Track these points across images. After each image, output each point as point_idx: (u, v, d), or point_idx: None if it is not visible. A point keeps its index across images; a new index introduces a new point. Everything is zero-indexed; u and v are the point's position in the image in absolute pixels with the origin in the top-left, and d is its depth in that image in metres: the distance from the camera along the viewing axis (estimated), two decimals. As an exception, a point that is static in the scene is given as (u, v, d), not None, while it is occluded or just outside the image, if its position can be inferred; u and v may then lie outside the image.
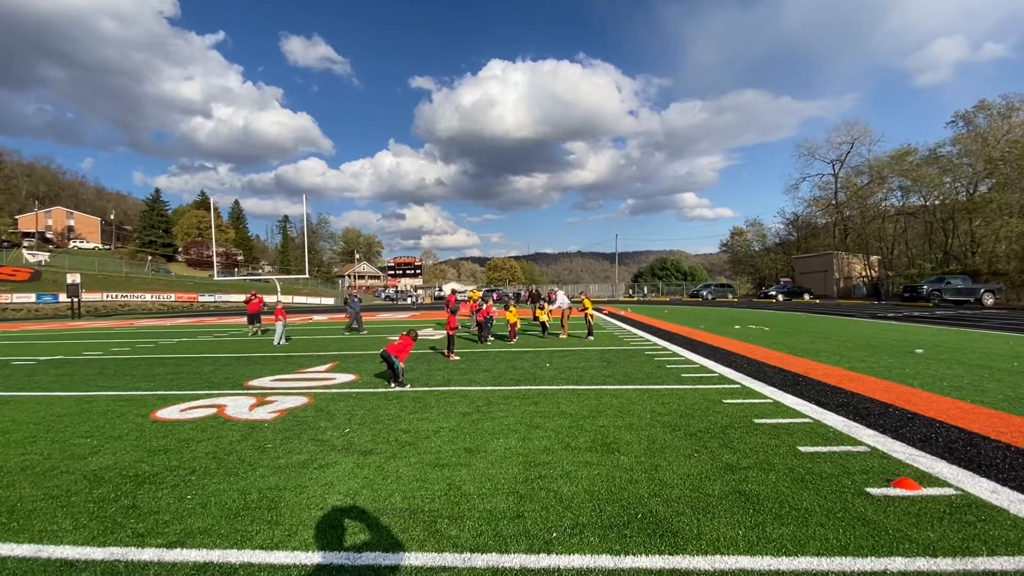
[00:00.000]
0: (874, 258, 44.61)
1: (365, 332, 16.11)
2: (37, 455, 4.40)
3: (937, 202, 40.05)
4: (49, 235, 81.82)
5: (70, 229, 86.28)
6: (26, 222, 79.49)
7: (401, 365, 7.21)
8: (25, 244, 68.92)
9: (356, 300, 17.24)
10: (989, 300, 26.93)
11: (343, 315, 26.61)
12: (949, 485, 3.36)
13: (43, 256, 59.07)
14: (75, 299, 31.68)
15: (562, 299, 15.13)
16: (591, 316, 13.53)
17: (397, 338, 7.60)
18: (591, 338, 12.98)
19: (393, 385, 7.11)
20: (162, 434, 4.97)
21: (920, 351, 9.48)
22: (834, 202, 50.27)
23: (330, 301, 58.70)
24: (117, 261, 64.88)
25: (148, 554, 2.68)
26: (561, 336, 13.57)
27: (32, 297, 43.42)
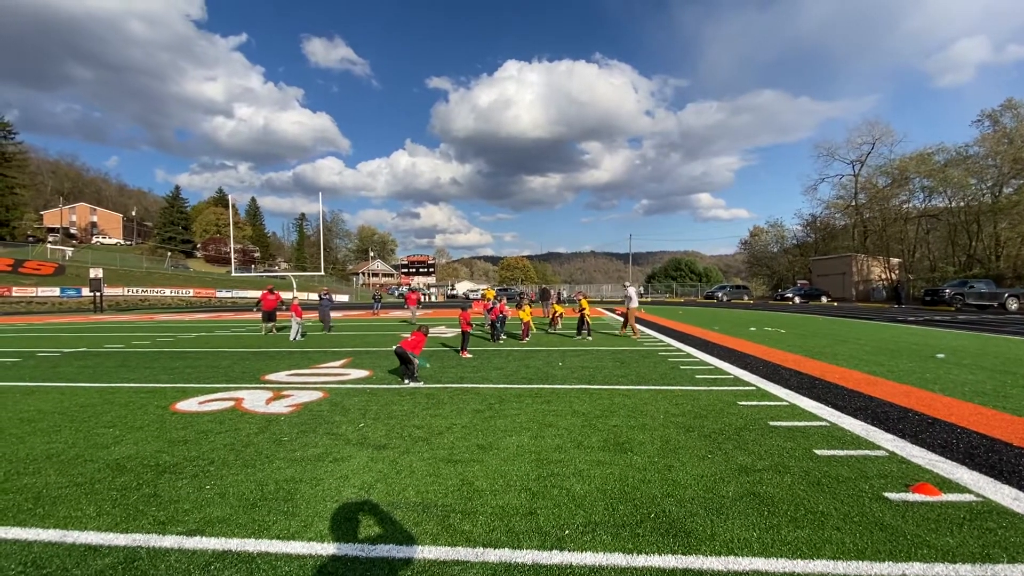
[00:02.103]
0: (894, 260, 43.76)
1: (329, 332, 15.74)
2: (62, 444, 4.52)
3: (961, 204, 39.14)
4: (73, 231, 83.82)
5: (93, 225, 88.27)
6: (51, 218, 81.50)
7: (417, 361, 7.30)
8: (50, 239, 70.65)
9: (327, 300, 16.99)
10: (1013, 305, 26.24)
11: (368, 312, 26.84)
12: (970, 491, 3.29)
13: (67, 251, 60.49)
14: (97, 293, 32.40)
15: (633, 299, 13.69)
16: (588, 316, 13.53)
17: (409, 335, 7.67)
18: (590, 338, 13.06)
19: (407, 381, 7.17)
20: (182, 425, 5.07)
21: (941, 356, 9.28)
22: (853, 203, 49.38)
23: (345, 298, 59.25)
24: (138, 257, 66.18)
25: (169, 541, 2.75)
26: (622, 334, 13.14)
27: (56, 291, 44.48)
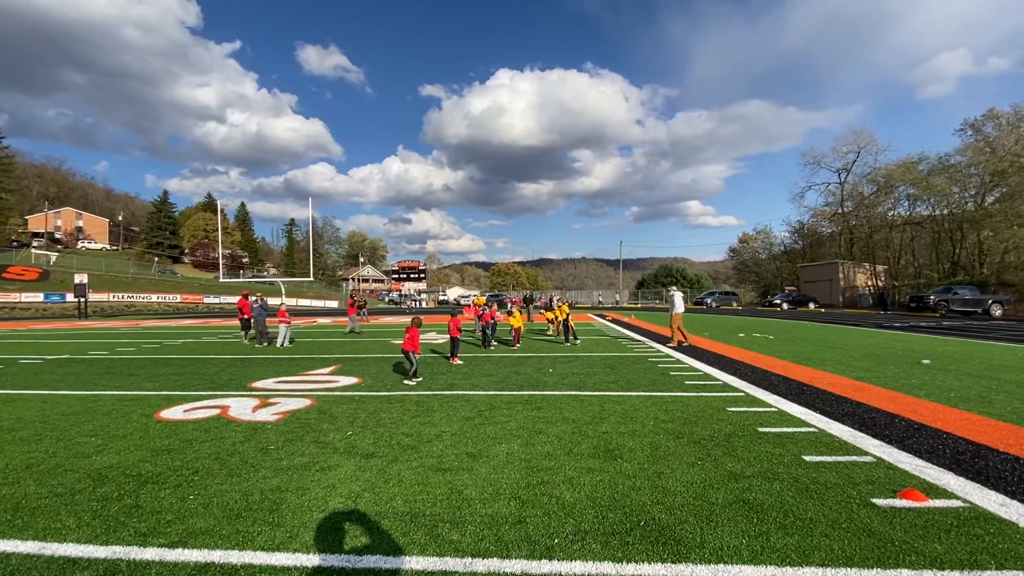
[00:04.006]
0: (880, 267, 44.35)
1: (265, 345, 13.49)
2: (42, 453, 4.42)
3: (945, 212, 39.82)
4: (58, 235, 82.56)
5: (79, 230, 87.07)
6: (36, 222, 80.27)
7: (416, 360, 7.72)
8: (34, 244, 69.56)
9: (258, 307, 14.10)
10: (997, 311, 26.68)
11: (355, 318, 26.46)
12: (957, 497, 3.32)
13: (52, 256, 59.54)
14: (82, 299, 31.87)
15: (679, 303, 12.72)
16: (571, 322, 13.55)
17: (406, 334, 7.85)
18: (578, 342, 13.15)
19: (409, 380, 7.59)
20: (166, 434, 4.99)
21: (927, 362, 9.40)
22: (840, 211, 50.05)
23: (334, 304, 58.83)
24: (124, 262, 65.34)
25: (150, 553, 2.69)
26: (672, 345, 12.44)
27: (40, 296, 43.75)
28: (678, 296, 12.96)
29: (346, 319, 20.25)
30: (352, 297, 20.06)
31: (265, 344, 13.62)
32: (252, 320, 13.97)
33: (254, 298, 14.60)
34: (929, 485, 3.52)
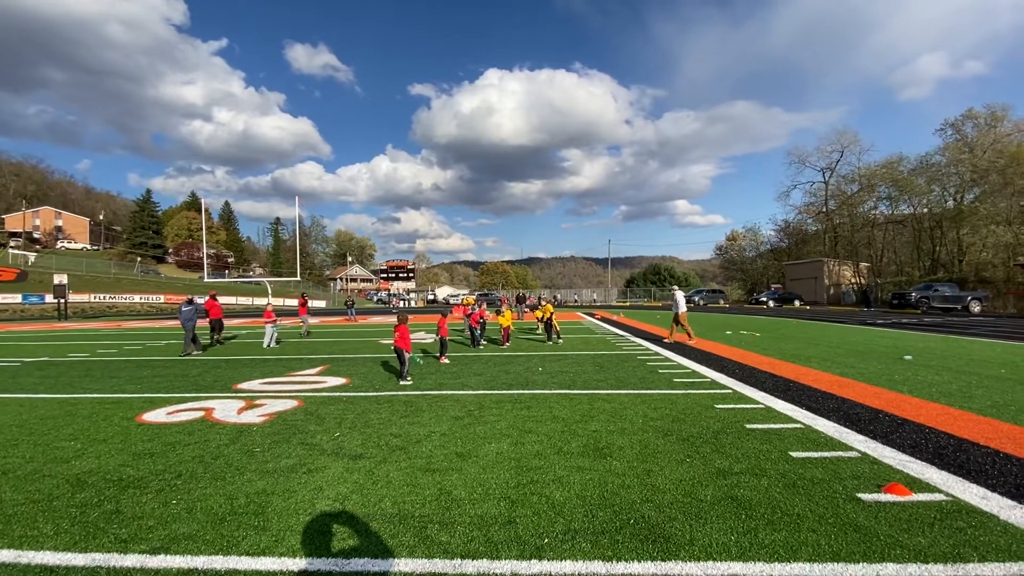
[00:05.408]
0: (863, 265, 45.06)
1: (198, 354, 11.77)
2: (19, 458, 4.31)
3: (925, 210, 40.59)
4: (37, 235, 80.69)
5: (58, 229, 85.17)
6: (13, 222, 78.35)
7: (408, 357, 7.67)
8: (12, 244, 67.94)
9: (187, 310, 12.19)
10: (976, 307, 27.25)
11: (342, 318, 26.24)
12: (939, 491, 3.37)
13: (30, 256, 58.23)
14: (62, 300, 31.22)
15: (682, 302, 12.80)
16: (555, 321, 13.55)
17: (395, 333, 7.82)
18: (561, 341, 13.18)
19: (403, 380, 7.55)
20: (148, 437, 4.89)
21: (909, 357, 9.56)
22: (824, 210, 50.76)
23: (322, 304, 58.35)
24: (106, 262, 64.07)
25: (131, 560, 2.62)
26: (681, 340, 12.68)
27: (18, 298, 42.73)
28: (680, 295, 13.10)
29: (341, 319, 19.50)
30: (303, 296, 17.79)
31: (185, 355, 11.49)
32: (192, 323, 12.08)
33: (188, 298, 12.86)
34: (913, 479, 3.57)
